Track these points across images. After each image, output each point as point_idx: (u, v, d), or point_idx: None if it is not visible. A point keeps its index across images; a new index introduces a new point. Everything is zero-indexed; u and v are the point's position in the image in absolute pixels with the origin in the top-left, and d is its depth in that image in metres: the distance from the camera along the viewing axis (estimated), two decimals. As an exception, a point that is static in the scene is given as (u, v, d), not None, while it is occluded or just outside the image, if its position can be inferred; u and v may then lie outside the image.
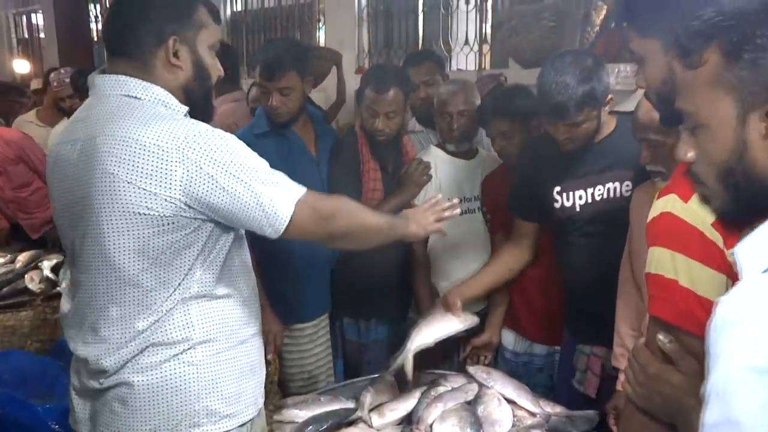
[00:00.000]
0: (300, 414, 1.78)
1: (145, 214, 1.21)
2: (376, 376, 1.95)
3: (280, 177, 1.31)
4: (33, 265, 2.80)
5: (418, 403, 1.78)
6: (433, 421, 1.69)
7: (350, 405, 1.80)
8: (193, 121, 1.27)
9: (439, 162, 2.34)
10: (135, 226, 1.22)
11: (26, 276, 2.72)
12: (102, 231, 1.23)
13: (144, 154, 1.19)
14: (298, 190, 1.31)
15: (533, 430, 1.71)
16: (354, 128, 2.39)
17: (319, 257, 2.25)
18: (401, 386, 1.90)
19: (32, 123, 4.16)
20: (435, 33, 5.36)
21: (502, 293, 2.25)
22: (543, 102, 1.78)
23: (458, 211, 1.74)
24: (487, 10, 5.06)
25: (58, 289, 2.64)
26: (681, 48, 0.81)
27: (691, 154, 0.84)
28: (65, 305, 1.41)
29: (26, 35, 9.89)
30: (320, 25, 6.21)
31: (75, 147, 1.28)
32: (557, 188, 1.94)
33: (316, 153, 2.31)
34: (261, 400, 1.46)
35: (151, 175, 1.19)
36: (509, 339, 2.28)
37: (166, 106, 1.29)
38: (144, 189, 1.19)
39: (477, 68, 5.01)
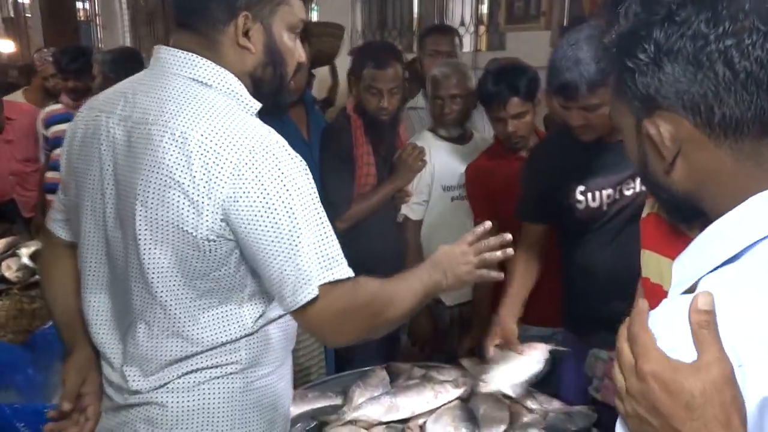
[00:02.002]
0: (286, 410, 1.71)
1: (189, 233, 1.04)
2: (367, 369, 1.87)
3: (328, 243, 1.07)
4: (10, 252, 2.69)
5: (410, 398, 1.69)
6: (426, 421, 1.60)
7: (338, 401, 1.72)
8: (263, 131, 1.07)
9: (433, 147, 2.26)
10: (175, 241, 1.06)
11: (3, 264, 2.60)
12: (138, 238, 1.07)
13: (205, 156, 1.02)
14: (336, 271, 1.06)
15: (531, 428, 1.63)
16: (345, 111, 2.29)
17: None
18: (392, 379, 1.82)
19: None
20: (430, 14, 5.26)
21: (484, 286, 2.14)
22: (553, 79, 1.62)
23: (511, 251, 1.31)
24: (483, -9, 4.95)
25: (36, 277, 2.54)
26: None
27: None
28: (91, 296, 1.20)
29: (12, 14, 9.73)
30: (313, 5, 6.09)
31: (123, 127, 1.10)
32: (581, 188, 1.78)
33: (308, 137, 2.23)
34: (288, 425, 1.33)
35: (201, 179, 1.02)
36: None
37: (237, 99, 1.11)
38: (193, 199, 1.02)
39: (473, 50, 4.91)
